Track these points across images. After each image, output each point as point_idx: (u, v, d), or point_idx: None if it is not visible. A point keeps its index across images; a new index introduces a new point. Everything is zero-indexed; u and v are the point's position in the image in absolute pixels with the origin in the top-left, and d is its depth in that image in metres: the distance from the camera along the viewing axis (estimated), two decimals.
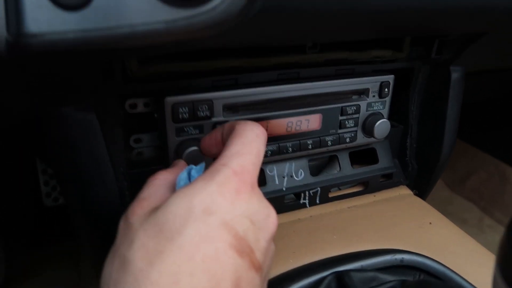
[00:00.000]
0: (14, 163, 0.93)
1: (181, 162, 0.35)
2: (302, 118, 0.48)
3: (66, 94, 0.33)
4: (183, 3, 0.24)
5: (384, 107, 0.53)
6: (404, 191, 0.58)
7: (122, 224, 0.26)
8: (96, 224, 0.40)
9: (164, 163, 0.45)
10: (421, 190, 0.59)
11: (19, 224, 1.03)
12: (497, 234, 1.26)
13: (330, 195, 0.54)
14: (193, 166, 0.31)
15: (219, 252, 0.23)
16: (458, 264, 0.42)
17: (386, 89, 0.51)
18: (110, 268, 0.24)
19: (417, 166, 0.58)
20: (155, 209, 0.25)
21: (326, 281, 0.36)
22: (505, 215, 1.30)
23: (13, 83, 0.30)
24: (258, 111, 0.45)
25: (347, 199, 0.54)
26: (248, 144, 0.27)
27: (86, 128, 0.35)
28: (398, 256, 0.40)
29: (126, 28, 0.24)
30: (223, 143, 0.31)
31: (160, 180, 0.30)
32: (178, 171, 0.31)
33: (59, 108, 0.34)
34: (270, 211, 0.27)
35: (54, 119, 0.34)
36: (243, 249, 0.24)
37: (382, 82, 0.51)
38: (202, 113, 0.42)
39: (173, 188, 0.30)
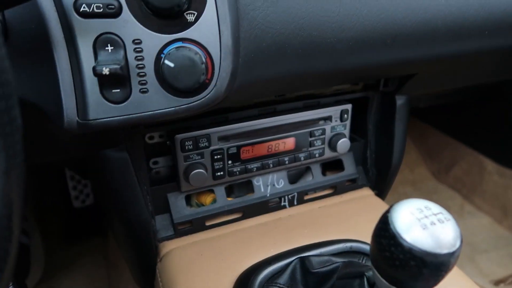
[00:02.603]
0: (49, 174, 1.09)
1: None
2: (280, 141, 0.63)
3: (108, 143, 0.48)
4: (185, 95, 0.39)
5: (345, 128, 0.67)
6: (366, 192, 0.72)
7: None
8: (128, 228, 0.56)
9: (175, 181, 0.60)
10: (381, 190, 0.73)
11: (54, 224, 1.20)
12: (475, 219, 1.40)
13: (306, 197, 0.69)
14: None
15: None
16: None
17: (345, 115, 0.66)
18: None
19: (376, 172, 0.72)
20: None
21: (293, 264, 0.51)
22: (484, 201, 1.43)
23: (76, 140, 0.46)
24: (244, 139, 0.60)
25: (319, 200, 0.69)
26: None
27: (121, 163, 0.50)
28: (348, 244, 0.55)
29: (149, 113, 0.39)
30: None
31: None
32: None
33: (102, 151, 0.49)
34: None
35: (98, 158, 0.50)
36: None
37: (342, 110, 0.65)
38: (202, 144, 0.57)
39: None
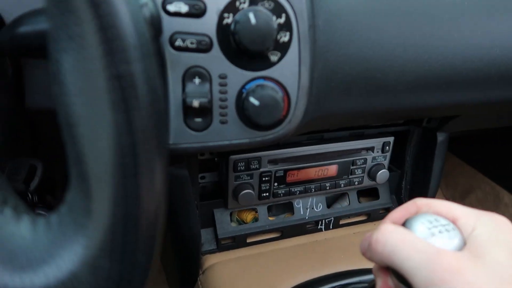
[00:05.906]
0: None
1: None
2: (323, 168, 0.65)
3: (173, 161, 0.51)
4: (260, 129, 0.42)
5: (385, 159, 0.69)
6: None
7: None
8: (179, 240, 0.59)
9: (222, 197, 0.63)
10: None
11: None
12: None
13: (341, 222, 0.71)
14: None
15: None
16: None
17: (387, 147, 0.68)
18: None
19: None
20: None
21: None
22: None
23: None
24: (292, 163, 0.63)
25: (354, 226, 0.72)
26: None
27: (182, 180, 0.53)
28: None
29: (226, 142, 0.42)
30: None
31: None
32: None
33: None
34: None
35: None
36: None
37: (384, 142, 0.68)
38: (253, 166, 0.60)
39: None
